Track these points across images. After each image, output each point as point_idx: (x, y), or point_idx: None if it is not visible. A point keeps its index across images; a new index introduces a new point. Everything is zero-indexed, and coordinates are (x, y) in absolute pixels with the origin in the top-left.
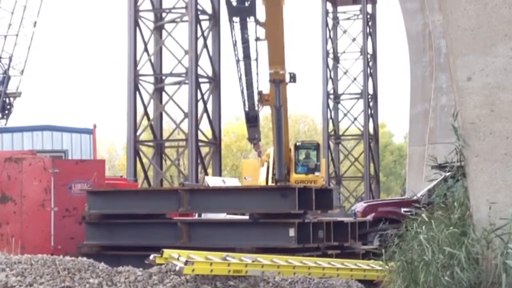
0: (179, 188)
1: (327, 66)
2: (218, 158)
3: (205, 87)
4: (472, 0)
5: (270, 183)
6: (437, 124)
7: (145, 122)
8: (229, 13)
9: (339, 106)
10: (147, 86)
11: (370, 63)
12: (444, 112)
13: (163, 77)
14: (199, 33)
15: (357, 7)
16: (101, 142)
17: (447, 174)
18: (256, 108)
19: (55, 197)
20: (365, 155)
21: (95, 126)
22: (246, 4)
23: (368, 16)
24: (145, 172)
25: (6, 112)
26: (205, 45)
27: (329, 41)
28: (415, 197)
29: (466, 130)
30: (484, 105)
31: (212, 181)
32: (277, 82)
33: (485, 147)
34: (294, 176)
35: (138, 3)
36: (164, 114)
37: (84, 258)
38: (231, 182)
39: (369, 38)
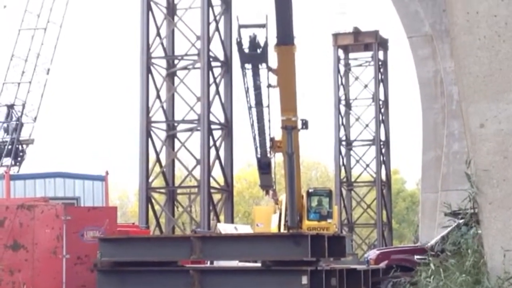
0: (191, 235)
1: (339, 112)
2: (230, 205)
3: (217, 133)
4: (484, 47)
5: (282, 230)
6: (450, 171)
7: (157, 168)
8: (241, 60)
9: (351, 152)
10: (159, 133)
11: (382, 110)
12: (457, 158)
13: (176, 124)
14: (211, 79)
15: (369, 53)
16: (113, 188)
17: (461, 221)
18: (269, 155)
19: (67, 244)
20: (377, 202)
21: (107, 173)
22: (258, 51)
23: (380, 63)
24: (157, 219)
25: (19, 159)
26: (217, 92)
27: (341, 88)
28: (428, 245)
29: (479, 177)
30: (497, 152)
31: (225, 228)
32: (289, 128)
33: (499, 194)
34: (306, 223)
35: (151, 50)
36: (176, 161)
37: None
38: (244, 229)
39: (381, 84)
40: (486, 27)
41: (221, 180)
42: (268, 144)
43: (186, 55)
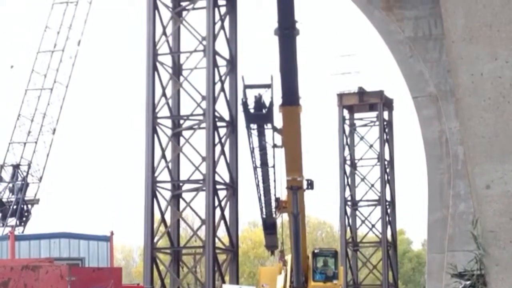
0: None
1: (345, 172)
2: (235, 265)
3: (222, 193)
4: (489, 108)
5: None
6: (456, 231)
7: (162, 228)
8: (246, 120)
9: (357, 213)
10: (164, 193)
11: (388, 170)
12: (463, 219)
13: (181, 184)
14: (217, 139)
15: (374, 114)
16: (118, 248)
17: (467, 283)
18: (274, 215)
19: None
20: (383, 262)
21: (112, 234)
22: (263, 111)
23: (385, 123)
24: (162, 280)
25: (24, 219)
26: (223, 152)
27: (346, 148)
28: None
29: (486, 238)
30: (503, 213)
31: None
32: (295, 189)
33: (506, 256)
34: (312, 284)
35: (156, 110)
36: (181, 221)
37: None
38: None
39: (386, 144)
40: (491, 89)
41: (226, 240)
42: (273, 204)
43: (191, 115)
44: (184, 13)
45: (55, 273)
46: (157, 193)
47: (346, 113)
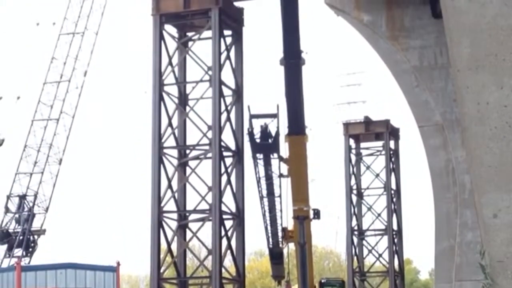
0: None
1: (351, 202)
2: None
3: (228, 223)
4: (495, 137)
5: None
6: (464, 261)
7: (168, 258)
8: (252, 150)
9: (364, 242)
10: (170, 223)
11: (394, 199)
12: (470, 248)
13: (187, 214)
14: (223, 169)
15: (380, 143)
16: (124, 278)
17: None
18: (281, 245)
19: None
20: None
21: (118, 264)
22: (270, 141)
23: (391, 152)
24: None
25: (30, 250)
26: (229, 182)
27: (353, 177)
28: None
29: (494, 268)
30: (511, 243)
31: None
32: (301, 219)
33: None
34: None
35: (163, 140)
36: (187, 251)
37: None
38: None
39: (393, 173)
40: (497, 118)
41: (232, 270)
42: (280, 234)
43: (197, 145)
44: (190, 43)
45: None
46: (163, 223)
47: (352, 142)
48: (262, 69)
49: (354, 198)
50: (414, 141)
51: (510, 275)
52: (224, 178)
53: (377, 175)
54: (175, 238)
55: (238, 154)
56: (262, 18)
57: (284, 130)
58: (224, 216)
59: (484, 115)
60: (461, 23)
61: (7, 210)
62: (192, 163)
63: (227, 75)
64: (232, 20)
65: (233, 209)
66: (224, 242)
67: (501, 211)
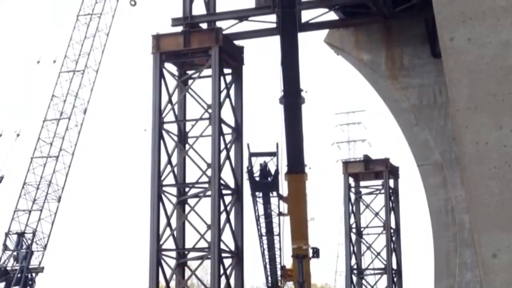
0: None
1: (350, 240)
2: None
3: (227, 261)
4: (494, 177)
5: None
6: None
7: None
8: (252, 188)
9: (363, 281)
10: (169, 261)
11: (394, 238)
12: None
13: (186, 252)
14: (222, 207)
15: (379, 181)
16: None
17: None
18: (280, 284)
19: None
20: None
21: None
22: (269, 179)
23: (391, 191)
24: None
25: (28, 287)
26: (228, 220)
27: (352, 216)
28: None
29: None
30: (511, 283)
31: None
32: (300, 257)
33: None
34: None
35: (162, 178)
36: None
37: None
38: None
39: (392, 212)
40: (496, 157)
41: None
42: (279, 272)
43: (197, 182)
44: (190, 81)
45: None
46: (162, 261)
47: (351, 180)
48: (262, 107)
49: (354, 237)
50: (413, 180)
51: None
52: (223, 216)
53: (377, 214)
54: (174, 276)
55: (237, 192)
56: (262, 55)
57: (283, 169)
58: (223, 254)
59: (483, 154)
60: (460, 63)
61: (5, 247)
62: (191, 201)
63: (227, 113)
64: (232, 58)
65: (232, 247)
66: (223, 280)
67: (500, 251)
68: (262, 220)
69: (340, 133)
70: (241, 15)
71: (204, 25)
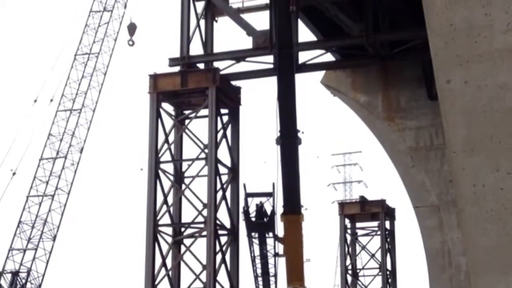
0: None
1: (346, 282)
2: None
3: None
4: (491, 219)
5: None
6: None
7: None
8: (248, 229)
9: None
10: None
11: (390, 280)
12: None
13: None
14: (218, 248)
15: (376, 223)
16: None
17: None
18: None
19: None
20: None
21: None
22: (265, 220)
23: (387, 232)
24: None
25: None
26: (224, 260)
27: (348, 257)
28: None
29: None
30: None
31: None
32: None
33: None
34: None
35: (158, 217)
36: None
37: None
38: None
39: (388, 254)
40: (493, 200)
41: None
42: None
43: (192, 222)
44: (186, 121)
45: None
46: None
47: (347, 222)
48: (259, 147)
49: (350, 279)
50: (410, 222)
51: None
52: (218, 257)
53: (373, 255)
54: None
55: (233, 233)
56: (259, 95)
57: (279, 209)
58: None
59: (480, 197)
60: (457, 105)
61: None
62: (187, 241)
63: (224, 153)
64: (229, 98)
65: None
66: None
67: None
68: (258, 260)
69: (336, 174)
70: (239, 56)
71: (201, 65)
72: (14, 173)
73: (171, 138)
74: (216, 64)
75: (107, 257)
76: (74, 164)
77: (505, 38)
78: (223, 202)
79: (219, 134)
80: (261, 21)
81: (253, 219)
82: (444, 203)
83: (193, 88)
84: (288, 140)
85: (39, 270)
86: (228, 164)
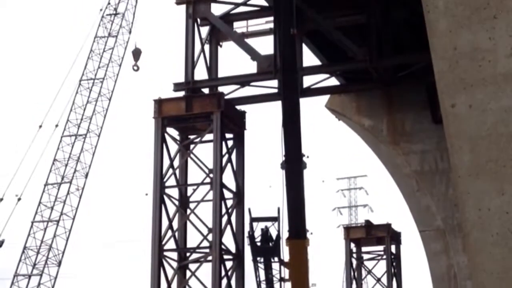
0: None
1: None
2: None
3: None
4: (497, 243)
5: None
6: None
7: None
8: (253, 253)
9: None
10: None
11: None
12: None
13: None
14: (223, 272)
15: (381, 247)
16: None
17: None
18: None
19: None
20: None
21: None
22: (270, 244)
23: (392, 257)
24: None
25: None
26: (229, 285)
27: (354, 281)
28: None
29: None
30: None
31: None
32: None
33: None
34: None
35: (163, 243)
36: None
37: None
38: None
39: (394, 278)
40: (499, 224)
41: None
42: None
43: (198, 247)
44: (191, 145)
45: None
46: None
47: (353, 246)
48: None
49: None
50: (415, 246)
51: None
52: (224, 282)
53: (379, 280)
54: None
55: (238, 257)
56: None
57: (285, 234)
58: None
59: (486, 221)
60: (462, 129)
61: None
62: (192, 266)
63: (229, 178)
64: (234, 123)
65: None
66: None
67: None
68: (263, 285)
69: (341, 198)
70: (243, 80)
71: (206, 90)
72: (19, 199)
73: (176, 163)
74: (221, 88)
75: (113, 282)
76: (79, 189)
77: (509, 62)
78: (228, 226)
79: (224, 159)
80: (266, 45)
81: (259, 243)
82: (450, 227)
83: (198, 113)
84: (293, 164)
85: None
86: (233, 188)
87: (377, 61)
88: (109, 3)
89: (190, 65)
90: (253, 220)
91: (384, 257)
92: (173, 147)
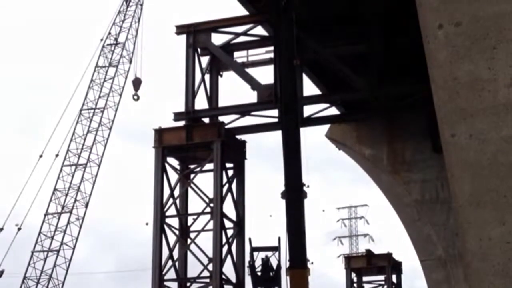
0: None
1: None
2: None
3: None
4: (498, 273)
5: None
6: None
7: None
8: (253, 283)
9: None
10: None
11: None
12: None
13: None
14: None
15: (382, 277)
16: None
17: None
18: None
19: None
20: None
21: None
22: (271, 274)
23: (393, 286)
24: None
25: None
26: None
27: None
28: None
29: None
30: None
31: None
32: None
33: None
34: None
35: (163, 272)
36: None
37: None
38: None
39: None
40: (500, 254)
41: None
42: None
43: (198, 277)
44: (192, 175)
45: None
46: None
47: (354, 275)
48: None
49: None
50: (416, 275)
51: None
52: None
53: None
54: None
55: (239, 287)
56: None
57: (286, 263)
58: None
59: (487, 251)
60: (462, 159)
61: None
62: None
63: (229, 207)
64: (234, 152)
65: None
66: None
67: None
68: None
69: (342, 228)
70: (243, 110)
71: (206, 119)
72: (19, 228)
73: (177, 192)
74: (221, 118)
75: None
76: (80, 219)
77: (509, 92)
78: (229, 256)
79: (225, 188)
80: (266, 75)
81: (259, 273)
82: (451, 256)
83: (198, 142)
84: (293, 194)
85: None
86: (234, 218)
87: (378, 90)
88: (109, 33)
89: (191, 94)
90: (253, 249)
91: (385, 286)
92: (174, 176)
